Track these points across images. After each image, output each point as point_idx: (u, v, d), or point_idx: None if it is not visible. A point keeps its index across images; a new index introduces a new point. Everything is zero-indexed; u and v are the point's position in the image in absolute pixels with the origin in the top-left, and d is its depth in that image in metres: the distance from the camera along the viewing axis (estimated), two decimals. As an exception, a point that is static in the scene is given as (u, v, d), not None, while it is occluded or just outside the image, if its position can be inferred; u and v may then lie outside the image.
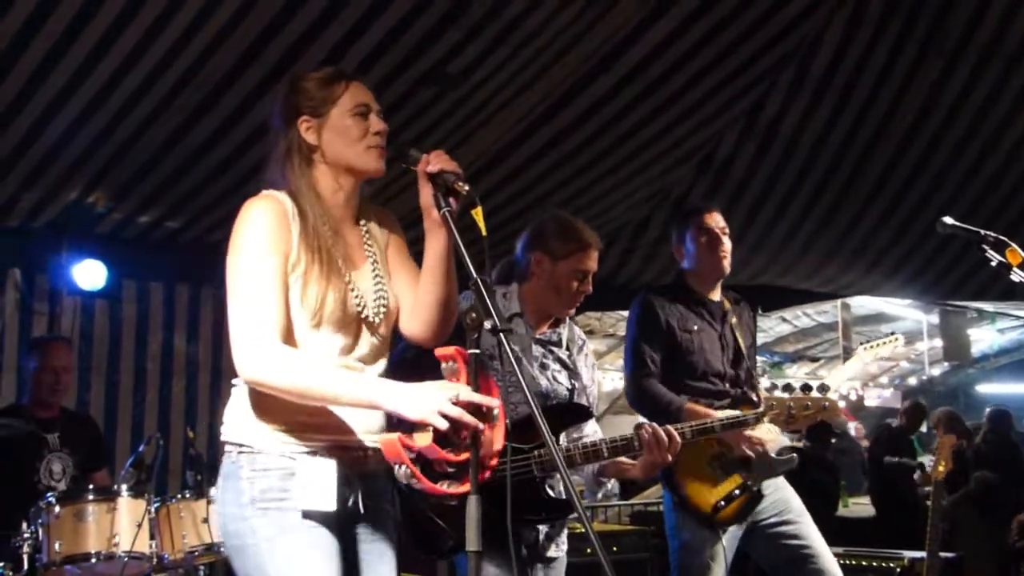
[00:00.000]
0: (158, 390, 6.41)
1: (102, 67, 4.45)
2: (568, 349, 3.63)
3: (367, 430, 2.50)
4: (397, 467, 2.38)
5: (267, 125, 2.63)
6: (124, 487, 4.41)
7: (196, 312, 6.58)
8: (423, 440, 2.31)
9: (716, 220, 4.25)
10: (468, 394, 2.27)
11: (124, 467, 4.61)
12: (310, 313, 2.41)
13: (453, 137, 5.42)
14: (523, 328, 3.53)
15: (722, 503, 3.98)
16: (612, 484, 9.36)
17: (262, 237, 2.39)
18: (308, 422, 2.43)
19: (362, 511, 2.51)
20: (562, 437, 3.48)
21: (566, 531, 3.57)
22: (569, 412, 3.49)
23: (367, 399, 2.34)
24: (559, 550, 3.51)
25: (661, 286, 4.39)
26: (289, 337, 2.39)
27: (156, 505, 4.42)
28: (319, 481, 2.40)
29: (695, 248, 4.25)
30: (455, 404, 2.24)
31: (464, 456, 2.30)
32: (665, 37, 5.19)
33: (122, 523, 4.32)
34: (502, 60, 4.96)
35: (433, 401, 2.25)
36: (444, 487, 2.39)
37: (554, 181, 6.23)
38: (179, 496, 4.53)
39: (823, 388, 3.83)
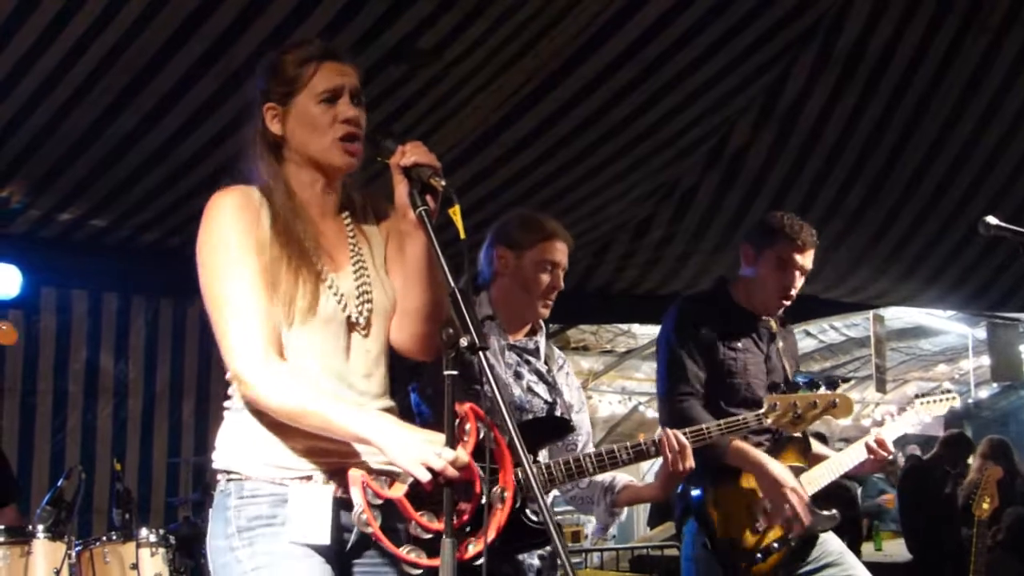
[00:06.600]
0: (81, 415, 6.39)
1: (15, 43, 4.45)
2: (547, 364, 3.75)
3: (374, 451, 2.52)
4: (355, 508, 2.41)
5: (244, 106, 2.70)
6: (40, 527, 4.41)
7: (125, 325, 6.56)
8: (395, 491, 2.36)
9: (806, 261, 4.21)
10: (464, 460, 2.32)
11: (40, 504, 4.60)
12: (283, 312, 2.48)
13: (423, 124, 5.44)
14: (495, 332, 3.66)
15: (759, 556, 4.00)
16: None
17: (235, 233, 2.47)
18: (307, 445, 2.49)
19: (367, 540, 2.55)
20: (542, 454, 3.56)
21: None
22: (548, 427, 3.56)
23: (359, 432, 2.42)
24: None
25: (700, 293, 4.36)
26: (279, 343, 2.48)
27: (78, 548, 4.43)
28: (312, 511, 2.46)
29: (767, 274, 4.20)
30: (445, 471, 2.28)
31: (438, 526, 2.34)
32: (668, 8, 5.20)
33: (37, 569, 4.32)
34: (480, 35, 4.98)
35: (420, 450, 2.32)
36: (404, 551, 2.42)
37: (540, 175, 6.26)
38: (104, 538, 4.54)
39: (832, 383, 3.86)
